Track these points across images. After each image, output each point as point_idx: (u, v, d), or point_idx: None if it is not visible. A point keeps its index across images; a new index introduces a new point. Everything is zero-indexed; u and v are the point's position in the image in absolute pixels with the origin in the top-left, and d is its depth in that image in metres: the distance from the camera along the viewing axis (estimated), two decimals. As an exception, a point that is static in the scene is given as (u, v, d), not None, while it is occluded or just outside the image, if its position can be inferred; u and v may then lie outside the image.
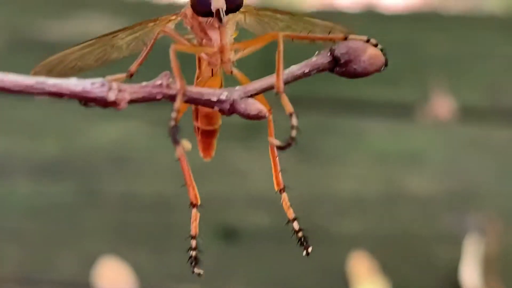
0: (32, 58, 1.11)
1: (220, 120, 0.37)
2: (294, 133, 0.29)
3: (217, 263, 0.85)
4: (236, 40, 0.34)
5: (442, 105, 0.97)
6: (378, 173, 0.93)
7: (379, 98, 0.97)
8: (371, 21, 1.06)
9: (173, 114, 0.28)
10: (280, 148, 0.29)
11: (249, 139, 0.91)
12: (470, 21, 1.06)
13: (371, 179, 0.92)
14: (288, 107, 0.29)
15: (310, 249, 0.34)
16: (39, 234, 0.88)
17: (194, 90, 0.30)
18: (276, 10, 0.36)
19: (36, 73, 0.35)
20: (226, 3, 0.31)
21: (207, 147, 0.38)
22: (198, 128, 0.37)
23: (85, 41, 0.35)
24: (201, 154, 0.38)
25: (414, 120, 0.96)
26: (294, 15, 0.36)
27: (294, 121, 0.29)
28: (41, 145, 0.94)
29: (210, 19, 0.32)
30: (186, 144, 0.28)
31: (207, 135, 0.38)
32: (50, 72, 0.35)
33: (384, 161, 0.93)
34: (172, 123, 0.28)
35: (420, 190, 0.91)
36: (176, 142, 0.27)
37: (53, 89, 0.28)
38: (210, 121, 0.37)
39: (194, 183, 0.34)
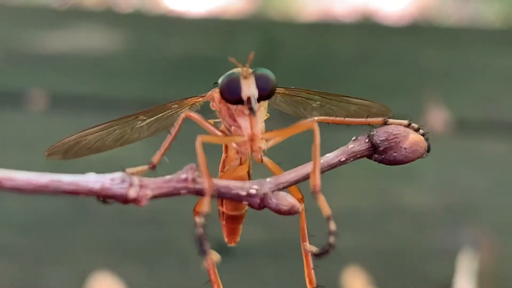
0: (27, 71, 1.11)
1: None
2: (332, 239, 0.26)
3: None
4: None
5: (437, 118, 0.97)
6: (372, 187, 0.92)
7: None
8: (367, 32, 1.05)
9: (200, 220, 0.25)
10: (316, 255, 0.26)
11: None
12: (466, 34, 1.05)
13: (365, 193, 0.92)
14: (326, 209, 0.27)
15: None
16: (32, 250, 0.87)
17: (222, 184, 0.27)
18: (308, 91, 0.34)
19: (52, 154, 0.33)
20: (257, 90, 0.28)
21: (232, 233, 0.35)
22: (223, 213, 0.34)
23: (104, 123, 0.33)
24: (225, 239, 0.35)
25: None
26: (328, 94, 0.34)
27: (332, 226, 0.26)
28: (33, 159, 0.93)
29: (240, 106, 0.29)
30: (214, 255, 0.25)
31: (233, 221, 0.34)
32: (66, 153, 0.33)
33: (378, 175, 0.93)
34: (200, 231, 0.24)
35: (415, 204, 0.91)
36: (204, 253, 0.24)
37: (70, 188, 0.25)
38: (237, 206, 0.34)
39: (219, 281, 0.31)
